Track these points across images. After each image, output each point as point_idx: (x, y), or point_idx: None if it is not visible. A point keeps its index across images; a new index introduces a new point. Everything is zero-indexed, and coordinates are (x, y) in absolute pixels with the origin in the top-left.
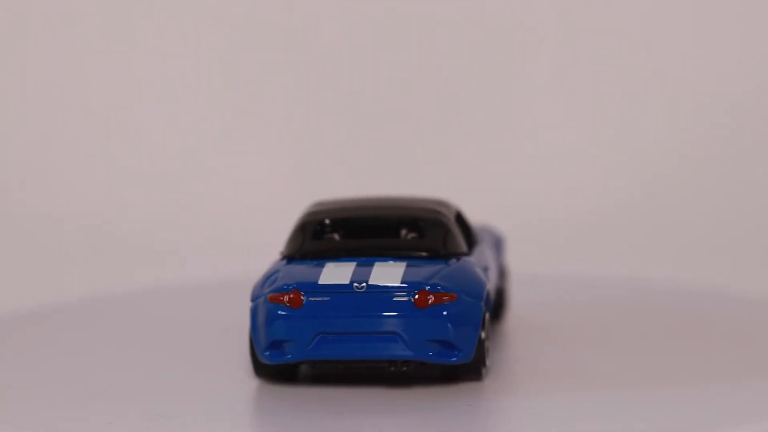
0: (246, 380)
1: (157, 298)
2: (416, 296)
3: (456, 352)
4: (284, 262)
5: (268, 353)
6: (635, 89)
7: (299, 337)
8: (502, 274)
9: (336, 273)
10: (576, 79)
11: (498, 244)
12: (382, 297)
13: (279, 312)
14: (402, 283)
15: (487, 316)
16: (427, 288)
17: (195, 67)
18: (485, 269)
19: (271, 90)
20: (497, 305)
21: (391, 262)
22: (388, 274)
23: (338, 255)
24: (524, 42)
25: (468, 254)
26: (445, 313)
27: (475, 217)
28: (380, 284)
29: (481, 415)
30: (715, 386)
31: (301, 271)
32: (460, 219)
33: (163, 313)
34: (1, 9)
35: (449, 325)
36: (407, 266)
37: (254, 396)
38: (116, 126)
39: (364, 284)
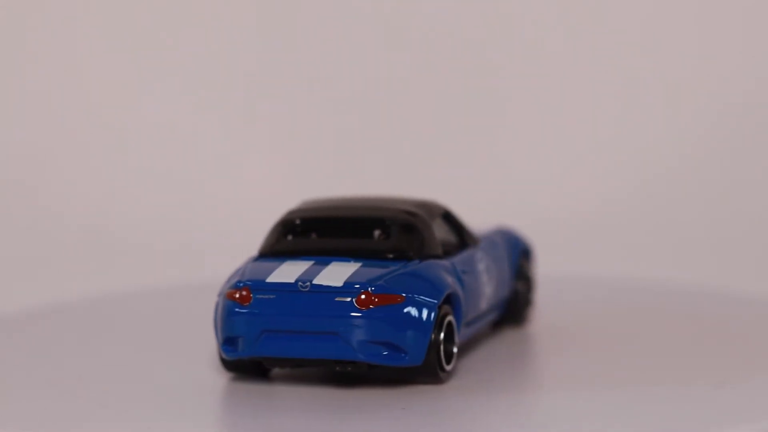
0: (243, 379)
1: (157, 299)
2: (358, 297)
3: (402, 355)
4: (254, 259)
5: (224, 348)
6: (635, 90)
7: (248, 334)
8: (522, 278)
9: (287, 271)
10: (576, 79)
11: (514, 248)
12: (324, 297)
13: (232, 308)
14: (344, 283)
15: (451, 319)
16: (370, 289)
17: (195, 68)
18: (464, 272)
19: (271, 90)
20: (511, 308)
21: (348, 262)
22: (335, 274)
23: (304, 253)
24: (525, 42)
25: (440, 256)
26: (387, 314)
27: (475, 217)
28: (323, 284)
29: (446, 417)
30: (716, 385)
31: (258, 268)
32: (449, 220)
33: (163, 313)
34: (1, 9)
35: (391, 327)
36: (361, 267)
37: (251, 397)
38: (116, 127)
39: (308, 284)
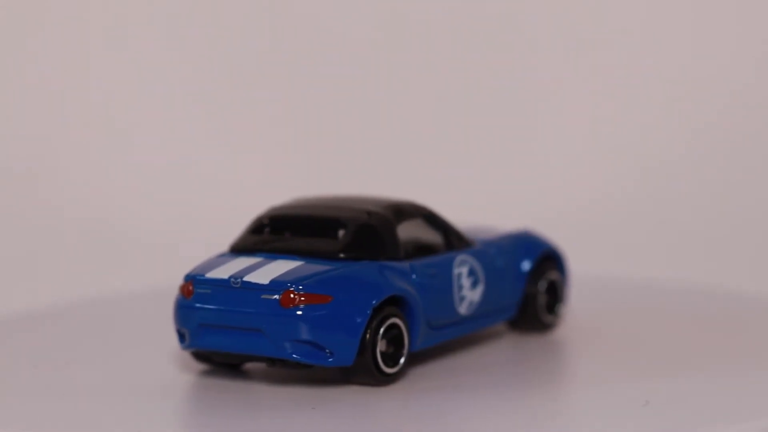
0: (242, 379)
1: (157, 299)
2: (282, 296)
3: (328, 356)
4: (221, 254)
5: (179, 341)
6: (634, 90)
7: (189, 327)
8: (540, 283)
9: (228, 267)
10: (576, 79)
11: (529, 252)
12: (252, 294)
13: (179, 302)
14: (270, 282)
15: (397, 322)
16: (292, 288)
17: (194, 69)
18: (431, 276)
19: (271, 90)
20: (527, 312)
21: (293, 260)
22: (269, 272)
23: (263, 250)
24: (525, 42)
25: (398, 258)
26: (311, 314)
27: (475, 217)
28: (252, 281)
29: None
30: (715, 385)
31: (210, 262)
32: (432, 222)
33: (162, 313)
34: (1, 8)
35: (316, 327)
36: (302, 265)
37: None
38: (115, 127)
39: (239, 281)
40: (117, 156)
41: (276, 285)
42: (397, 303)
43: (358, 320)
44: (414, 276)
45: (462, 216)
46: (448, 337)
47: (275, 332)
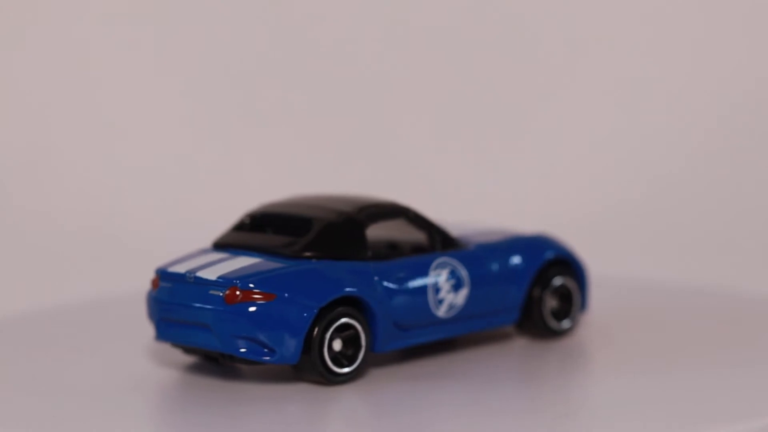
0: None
1: None
2: (226, 292)
3: (271, 353)
4: (202, 249)
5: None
6: (637, 91)
7: (154, 320)
8: (547, 288)
9: (191, 262)
10: (579, 80)
11: (534, 256)
12: (201, 289)
13: (148, 294)
14: (218, 278)
15: (350, 322)
16: (237, 284)
17: (195, 69)
18: (399, 278)
19: (269, 90)
20: (530, 316)
21: (253, 257)
22: (222, 268)
23: (237, 247)
24: (525, 42)
25: (363, 258)
26: (255, 311)
27: (474, 217)
28: (203, 277)
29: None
30: (715, 383)
31: (182, 257)
32: (416, 223)
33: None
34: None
35: (258, 324)
36: (256, 262)
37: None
38: (113, 127)
39: (193, 276)
40: (114, 158)
41: (223, 281)
42: (355, 303)
43: (301, 319)
44: (377, 277)
45: (471, 217)
46: (427, 339)
47: (220, 328)
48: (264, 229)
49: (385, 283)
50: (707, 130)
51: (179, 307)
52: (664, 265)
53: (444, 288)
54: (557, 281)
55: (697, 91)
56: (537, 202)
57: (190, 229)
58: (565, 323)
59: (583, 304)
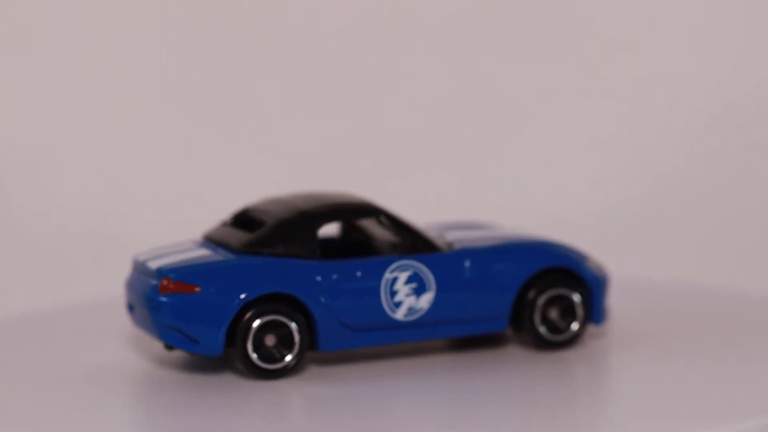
0: (232, 377)
1: None
2: (160, 282)
3: (193, 343)
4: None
5: None
6: (637, 90)
7: (126, 305)
8: (533, 294)
9: (159, 252)
10: (578, 80)
11: (525, 263)
12: (146, 279)
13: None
14: (156, 269)
15: (281, 319)
16: (170, 276)
17: (195, 69)
18: (351, 279)
19: (268, 91)
20: (520, 322)
21: (209, 250)
22: (170, 259)
23: (215, 242)
24: (526, 42)
25: (312, 257)
26: (178, 302)
27: (473, 217)
28: (148, 267)
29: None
30: (715, 383)
31: (160, 247)
32: (386, 224)
33: None
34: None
35: (182, 315)
36: (201, 255)
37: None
38: (113, 127)
39: (142, 265)
40: (111, 156)
41: (160, 272)
42: (293, 301)
43: (223, 312)
44: (320, 277)
45: (474, 218)
46: (386, 342)
47: (155, 317)
48: (237, 225)
49: (330, 283)
50: (707, 130)
51: (135, 295)
52: (665, 265)
53: (402, 291)
54: (554, 291)
55: (697, 91)
56: (537, 202)
57: (190, 230)
58: (564, 335)
59: (595, 317)
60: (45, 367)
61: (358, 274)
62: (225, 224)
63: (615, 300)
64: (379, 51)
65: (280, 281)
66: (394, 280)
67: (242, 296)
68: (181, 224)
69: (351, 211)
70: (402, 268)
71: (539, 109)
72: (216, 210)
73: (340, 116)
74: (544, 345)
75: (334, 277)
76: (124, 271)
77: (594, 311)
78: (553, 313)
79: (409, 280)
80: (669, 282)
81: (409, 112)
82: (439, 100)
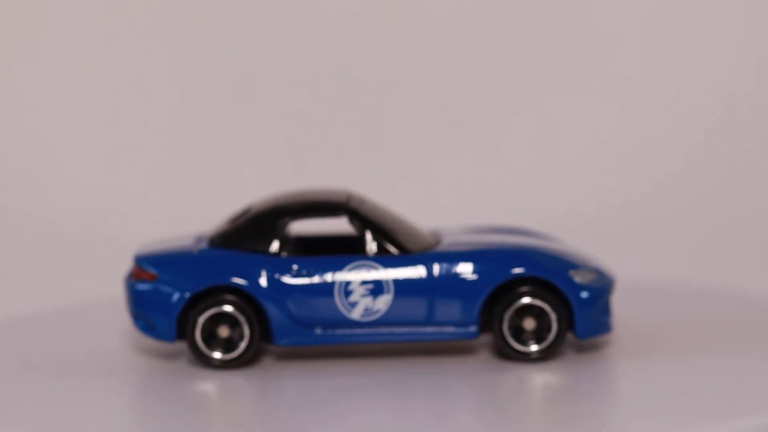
0: (231, 377)
1: None
2: (134, 269)
3: (151, 329)
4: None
5: None
6: (638, 90)
7: None
8: (501, 303)
9: (159, 242)
10: (578, 80)
11: (497, 270)
12: (133, 266)
13: None
14: (135, 255)
15: (231, 311)
16: (139, 262)
17: (195, 70)
18: (303, 275)
19: (268, 91)
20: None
21: (199, 244)
22: (154, 248)
23: (206, 237)
24: (526, 42)
25: (268, 252)
26: (139, 289)
27: (473, 218)
28: (136, 254)
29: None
30: (715, 383)
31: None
32: (358, 223)
33: None
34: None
35: (140, 302)
36: (179, 245)
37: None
38: (113, 128)
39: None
40: (111, 157)
41: (135, 259)
42: (240, 294)
43: (173, 301)
44: (275, 272)
45: (458, 218)
46: (345, 341)
47: (129, 303)
48: (231, 220)
49: (283, 279)
50: (708, 130)
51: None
52: (665, 265)
53: (358, 291)
54: (526, 300)
55: (697, 91)
56: (537, 202)
57: (190, 230)
58: (534, 347)
59: (579, 332)
60: (45, 367)
61: (314, 271)
62: (230, 219)
63: (614, 300)
64: (379, 51)
65: (230, 274)
66: (349, 279)
67: (192, 287)
68: (181, 224)
69: (319, 209)
70: (358, 268)
71: (539, 108)
72: (216, 210)
73: (340, 116)
74: (516, 356)
75: (290, 273)
76: (124, 271)
77: (578, 325)
78: (529, 324)
79: (365, 281)
80: (669, 282)
81: (409, 112)
82: (439, 100)
